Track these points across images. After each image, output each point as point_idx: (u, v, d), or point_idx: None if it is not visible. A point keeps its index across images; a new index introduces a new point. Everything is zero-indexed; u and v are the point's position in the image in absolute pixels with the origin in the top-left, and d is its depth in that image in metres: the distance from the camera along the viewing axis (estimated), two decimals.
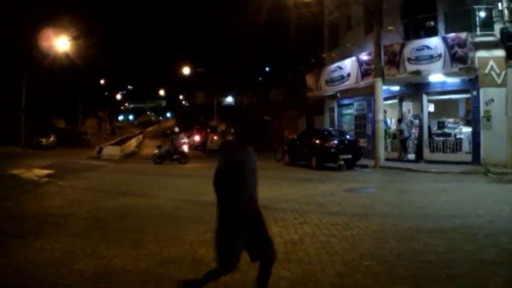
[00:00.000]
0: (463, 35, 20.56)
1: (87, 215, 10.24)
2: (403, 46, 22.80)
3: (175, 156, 27.56)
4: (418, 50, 22.05)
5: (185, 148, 28.89)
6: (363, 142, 26.56)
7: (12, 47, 37.16)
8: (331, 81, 30.02)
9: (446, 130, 23.72)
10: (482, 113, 21.00)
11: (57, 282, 5.70)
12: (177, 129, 31.87)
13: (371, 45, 24.27)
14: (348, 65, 27.92)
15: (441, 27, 22.53)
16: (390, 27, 24.30)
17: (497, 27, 20.18)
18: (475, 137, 21.40)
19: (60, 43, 36.96)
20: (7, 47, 36.89)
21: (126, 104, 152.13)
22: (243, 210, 4.57)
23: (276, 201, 12.15)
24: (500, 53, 20.29)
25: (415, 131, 24.97)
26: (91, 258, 6.70)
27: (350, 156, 22.33)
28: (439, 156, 22.62)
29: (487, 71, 20.80)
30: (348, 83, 27.87)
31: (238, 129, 4.82)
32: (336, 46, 33.51)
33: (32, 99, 39.76)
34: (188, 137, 63.32)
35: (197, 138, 50.64)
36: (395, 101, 26.06)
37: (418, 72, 22.02)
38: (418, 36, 23.37)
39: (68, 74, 45.94)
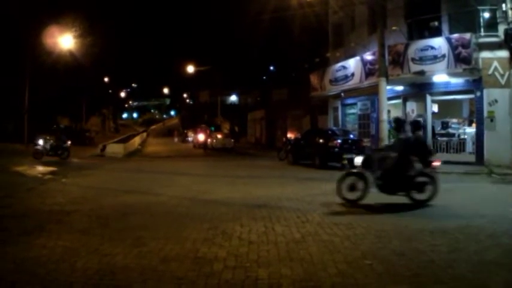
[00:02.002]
0: (467, 35, 20.53)
1: (90, 213, 10.26)
2: (407, 46, 22.78)
3: (59, 152, 27.11)
4: (422, 50, 22.03)
5: (68, 143, 28.70)
6: (366, 142, 26.57)
7: (15, 45, 37.17)
8: (335, 81, 30.03)
9: (450, 130, 23.70)
10: (485, 114, 20.98)
11: (60, 279, 5.70)
12: (62, 126, 31.58)
13: (375, 45, 24.23)
14: (352, 64, 27.93)
15: (445, 27, 22.52)
16: (394, 27, 24.31)
17: (501, 28, 20.19)
18: (479, 137, 21.39)
19: (64, 41, 36.93)
20: (11, 45, 36.91)
21: (130, 102, 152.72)
22: None
23: (279, 199, 12.17)
24: (504, 53, 20.29)
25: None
26: (93, 256, 6.71)
27: (354, 155, 22.33)
28: (443, 156, 22.53)
29: (490, 71, 20.79)
30: (352, 83, 27.88)
31: None
32: (340, 46, 33.49)
33: (35, 97, 39.76)
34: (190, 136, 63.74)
35: (201, 137, 50.51)
36: (399, 101, 26.04)
37: (422, 73, 22.00)
38: (422, 36, 23.36)
39: (72, 72, 45.92)
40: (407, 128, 11.61)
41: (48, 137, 27.19)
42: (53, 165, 23.06)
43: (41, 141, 26.75)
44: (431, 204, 10.97)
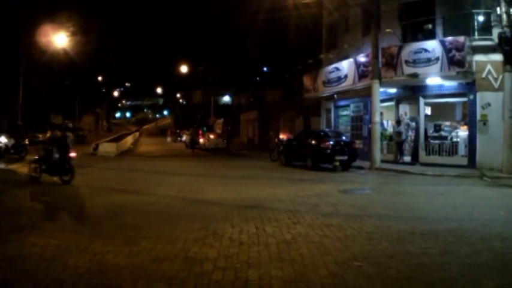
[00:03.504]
0: (461, 38, 20.55)
1: (82, 211, 10.24)
2: (400, 48, 22.77)
3: (19, 149, 26.32)
4: (415, 52, 22.03)
5: (27, 141, 28.11)
6: (358, 144, 26.60)
7: (10, 43, 37.06)
8: (328, 82, 29.98)
9: (443, 133, 23.71)
10: (478, 117, 21.02)
11: (51, 277, 5.69)
12: (20, 123, 31.05)
13: (369, 47, 24.25)
14: (345, 66, 27.88)
15: (439, 30, 22.54)
16: (388, 30, 24.30)
17: (495, 31, 20.18)
18: (471, 140, 21.41)
19: (59, 39, 36.71)
20: (5, 43, 36.79)
21: (124, 101, 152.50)
22: None
23: (271, 201, 12.16)
24: (497, 57, 20.29)
25: (411, 134, 24.96)
26: (85, 254, 6.70)
27: (346, 157, 22.32)
28: (435, 159, 22.62)
29: (484, 75, 20.83)
30: (345, 85, 27.83)
31: None
32: (333, 47, 33.47)
33: (29, 94, 39.63)
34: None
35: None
36: (392, 103, 26.03)
37: (415, 75, 21.99)
38: (416, 39, 23.36)
39: (66, 71, 45.87)
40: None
41: (9, 135, 26.45)
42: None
43: (2, 139, 26.06)
44: (73, 184, 15.06)
